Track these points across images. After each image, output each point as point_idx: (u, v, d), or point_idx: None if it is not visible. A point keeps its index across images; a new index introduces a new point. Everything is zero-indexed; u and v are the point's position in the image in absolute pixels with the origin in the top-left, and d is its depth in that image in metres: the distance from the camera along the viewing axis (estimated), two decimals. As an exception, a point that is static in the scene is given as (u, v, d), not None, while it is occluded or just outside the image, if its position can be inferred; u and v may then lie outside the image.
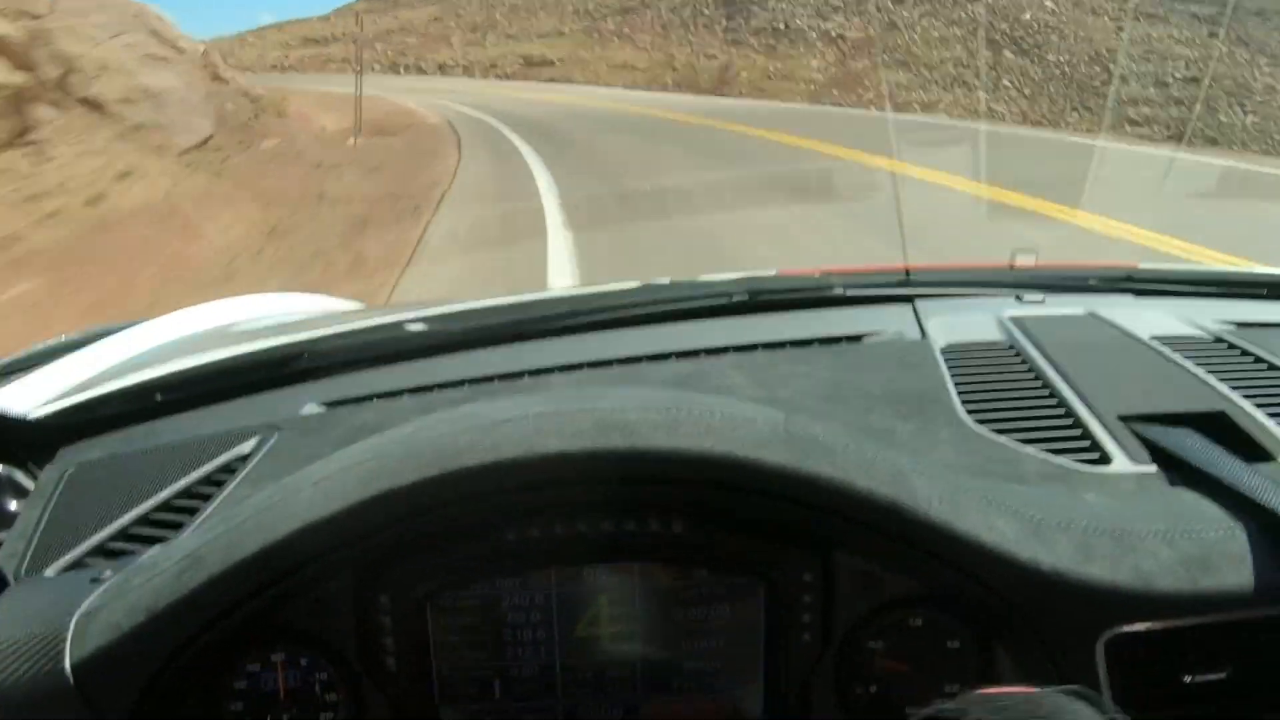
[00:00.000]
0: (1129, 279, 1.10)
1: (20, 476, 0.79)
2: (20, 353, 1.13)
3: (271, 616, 0.54)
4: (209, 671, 0.54)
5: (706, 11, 23.47)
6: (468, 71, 16.50)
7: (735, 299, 1.02)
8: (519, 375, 0.87)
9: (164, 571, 0.51)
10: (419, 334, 0.98)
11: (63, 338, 1.19)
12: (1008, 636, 0.55)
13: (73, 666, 0.50)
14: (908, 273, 1.09)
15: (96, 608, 0.52)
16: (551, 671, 0.57)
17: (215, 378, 0.91)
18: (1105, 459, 0.67)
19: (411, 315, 1.01)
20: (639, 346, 0.91)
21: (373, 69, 16.84)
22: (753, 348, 0.90)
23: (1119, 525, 0.55)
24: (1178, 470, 0.65)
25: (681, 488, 0.54)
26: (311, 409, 0.84)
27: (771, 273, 1.14)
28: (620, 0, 25.12)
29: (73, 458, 0.81)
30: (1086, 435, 0.70)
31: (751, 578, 0.57)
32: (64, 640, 0.51)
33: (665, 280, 1.08)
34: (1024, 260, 1.15)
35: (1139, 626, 0.53)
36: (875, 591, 0.56)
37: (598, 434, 0.52)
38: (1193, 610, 0.52)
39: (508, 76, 17.67)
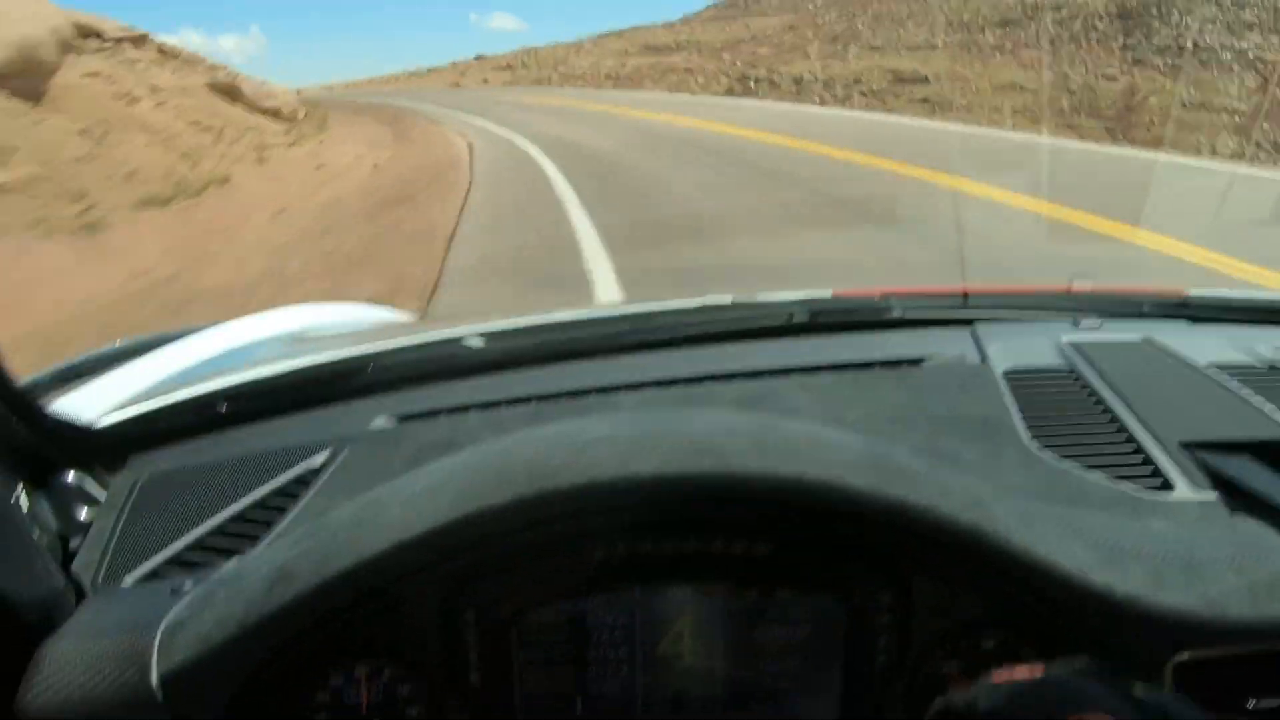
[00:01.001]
0: (1184, 304, 1.11)
1: (91, 485, 0.77)
2: (78, 357, 1.14)
3: (358, 630, 0.56)
4: (295, 683, 0.56)
5: (1099, 25, 19.28)
6: (828, 87, 13.78)
7: (796, 319, 1.02)
8: (585, 393, 0.86)
9: (252, 584, 0.52)
10: (480, 350, 0.98)
11: (118, 343, 1.20)
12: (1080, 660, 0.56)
13: (160, 678, 0.50)
14: (965, 295, 1.09)
15: (183, 619, 0.52)
16: (633, 690, 0.59)
17: (283, 390, 0.92)
18: (1168, 486, 0.68)
19: (472, 330, 1.01)
20: (702, 366, 0.91)
21: (718, 81, 14.46)
22: (816, 369, 0.90)
23: (1187, 552, 0.56)
24: (1240, 498, 0.65)
25: (768, 510, 0.55)
26: (381, 423, 0.83)
27: (828, 293, 1.10)
28: (1000, 11, 21.40)
29: (144, 467, 0.81)
30: (1149, 461, 0.71)
31: (833, 598, 0.58)
32: (150, 652, 0.51)
33: (726, 298, 1.07)
34: (1080, 284, 1.16)
35: (1208, 653, 0.53)
36: (950, 613, 0.58)
37: (690, 457, 0.53)
38: (1260, 637, 0.53)
39: (874, 94, 14.52)
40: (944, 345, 0.95)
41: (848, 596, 0.58)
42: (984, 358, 0.91)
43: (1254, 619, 0.52)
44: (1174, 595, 0.53)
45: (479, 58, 28.62)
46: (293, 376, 0.93)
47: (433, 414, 0.84)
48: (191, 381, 0.93)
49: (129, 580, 0.67)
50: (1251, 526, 0.61)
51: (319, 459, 0.77)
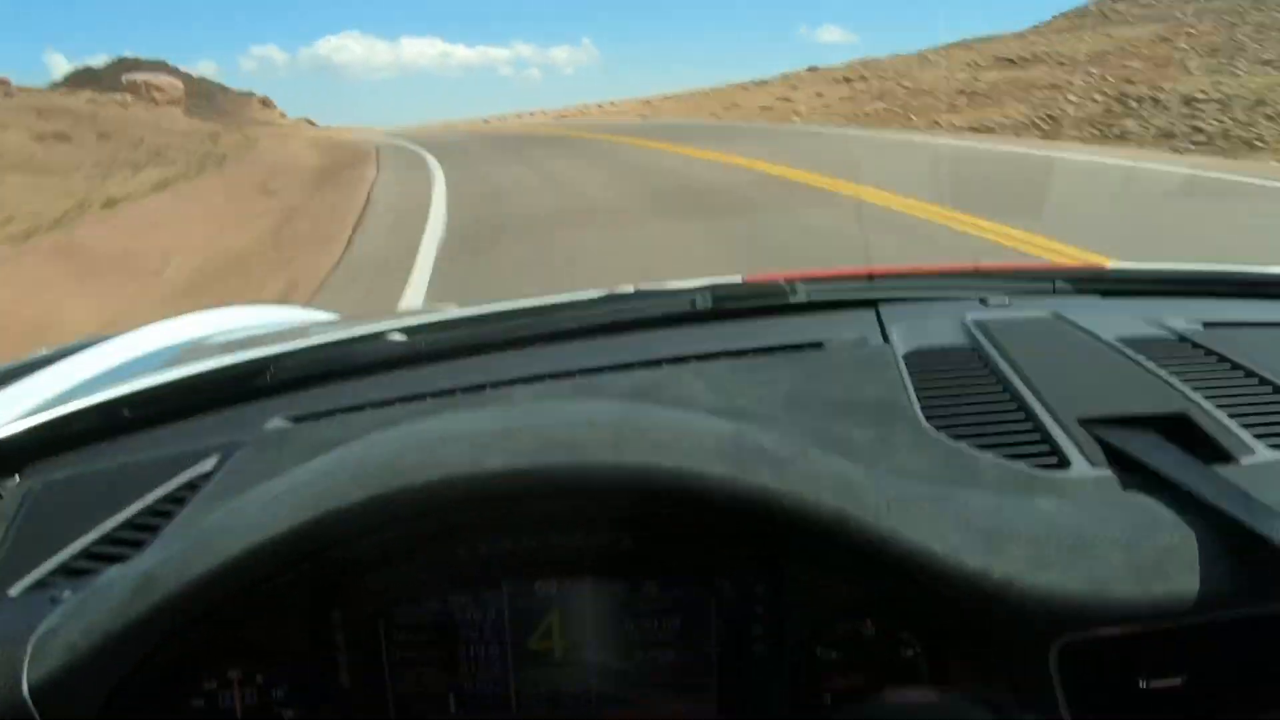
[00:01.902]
0: (1096, 279, 1.11)
1: None
2: None
3: (227, 634, 0.56)
4: (167, 690, 0.56)
5: None
6: (1225, 109, 12.18)
7: (699, 306, 1.04)
8: (481, 388, 0.87)
9: (119, 592, 0.53)
10: (383, 347, 1.00)
11: (30, 355, 1.21)
12: (961, 645, 0.56)
13: (30, 688, 0.51)
14: (871, 277, 1.10)
15: (54, 628, 0.53)
16: (506, 686, 0.59)
17: (181, 394, 0.92)
18: (1064, 463, 0.67)
19: (378, 327, 1.03)
20: (602, 357, 0.92)
21: (1092, 100, 13.54)
22: (715, 356, 0.90)
23: (1073, 531, 0.55)
24: (1136, 474, 0.65)
25: (628, 502, 0.55)
26: (276, 424, 0.85)
27: (738, 279, 1.11)
28: None
29: (38, 476, 0.83)
30: (1045, 439, 0.70)
31: (701, 589, 0.58)
32: (22, 661, 0.52)
33: (630, 288, 1.09)
34: (989, 263, 1.17)
35: (1093, 633, 0.53)
36: (827, 601, 0.58)
37: (542, 451, 0.54)
38: (1146, 616, 0.53)
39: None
40: (848, 328, 0.96)
41: (718, 586, 0.58)
42: (886, 339, 0.92)
43: (1139, 598, 0.52)
44: (1054, 576, 0.52)
45: (812, 69, 28.55)
46: (194, 380, 0.94)
47: (327, 414, 0.85)
48: (97, 388, 0.93)
49: (15, 590, 0.67)
50: (1145, 503, 0.60)
51: (209, 463, 0.78)
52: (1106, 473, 0.65)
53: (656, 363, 0.90)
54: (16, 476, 0.83)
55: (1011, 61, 18.40)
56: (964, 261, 1.15)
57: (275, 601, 0.56)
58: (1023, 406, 0.75)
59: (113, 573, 0.57)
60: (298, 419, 0.86)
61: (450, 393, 0.87)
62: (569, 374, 0.88)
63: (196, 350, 1.17)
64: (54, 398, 0.95)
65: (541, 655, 0.59)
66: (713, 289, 1.06)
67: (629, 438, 0.55)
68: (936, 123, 13.83)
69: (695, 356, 0.90)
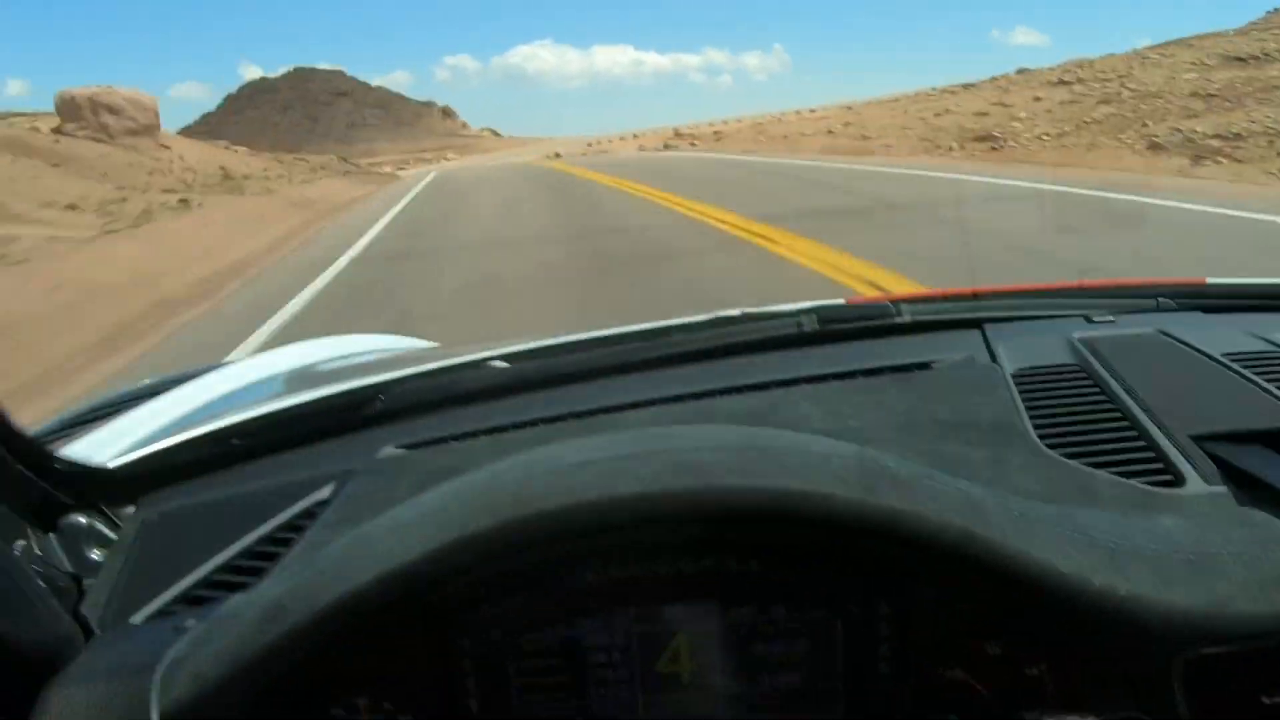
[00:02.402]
0: (1199, 294, 1.16)
1: (103, 526, 0.83)
2: (94, 400, 1.29)
3: (355, 662, 0.58)
4: (297, 718, 0.57)
5: None
6: None
7: (806, 329, 1.08)
8: (593, 413, 0.91)
9: (247, 620, 0.55)
10: (492, 373, 1.05)
11: (138, 384, 1.33)
12: (1086, 663, 0.57)
13: (160, 717, 0.53)
14: (975, 295, 1.17)
15: (182, 657, 0.55)
16: (633, 711, 0.61)
17: (293, 422, 0.97)
18: (1179, 480, 0.71)
19: (485, 354, 1.08)
20: (711, 380, 0.96)
21: None
22: (824, 378, 0.94)
23: (1194, 548, 0.58)
24: (1251, 489, 0.67)
25: (756, 525, 0.57)
26: (389, 452, 0.89)
27: (840, 301, 1.17)
28: None
29: (154, 506, 0.87)
30: (1159, 457, 0.74)
31: (828, 611, 0.61)
32: (150, 690, 0.54)
33: (736, 311, 1.12)
34: (1092, 279, 1.23)
35: (1217, 650, 0.54)
36: (952, 621, 0.59)
37: (672, 476, 0.56)
38: (1270, 632, 0.54)
39: None
40: (955, 348, 0.99)
41: (844, 608, 0.60)
42: (994, 358, 0.95)
43: (1262, 613, 0.54)
44: (1178, 593, 0.54)
45: (1022, 71, 27.78)
46: (305, 408, 0.99)
47: (440, 441, 0.90)
48: (203, 420, 0.98)
49: (138, 618, 0.71)
50: (1263, 518, 0.62)
51: (326, 491, 0.82)
52: (1222, 489, 0.68)
53: (766, 386, 0.93)
54: (133, 506, 0.87)
55: (1242, 60, 17.52)
56: (1066, 280, 1.20)
57: (403, 628, 0.57)
58: (1135, 424, 0.79)
59: (238, 601, 0.58)
60: (410, 447, 0.89)
61: (561, 418, 0.91)
62: (680, 398, 0.92)
63: (304, 378, 1.22)
64: (166, 426, 1.00)
65: (669, 679, 0.61)
66: (818, 311, 1.09)
67: (757, 461, 0.57)
68: (1177, 129, 13.10)
69: (804, 379, 0.94)
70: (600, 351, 1.09)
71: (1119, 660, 0.56)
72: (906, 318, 1.10)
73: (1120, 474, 0.72)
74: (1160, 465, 0.74)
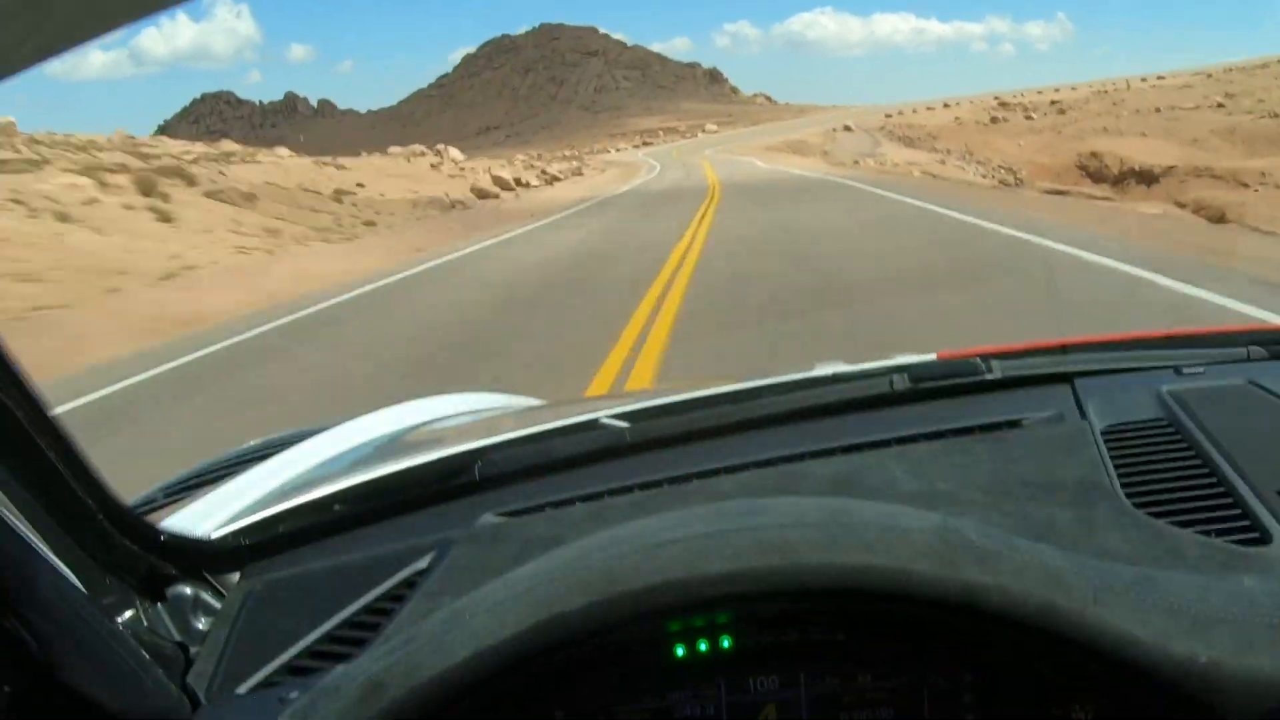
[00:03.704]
0: None
1: (209, 595, 0.93)
2: (196, 467, 1.48)
3: None
4: None
5: None
6: None
7: (897, 388, 1.19)
8: (687, 479, 1.02)
9: (347, 695, 0.61)
10: (585, 439, 1.16)
11: (240, 448, 1.54)
12: None
13: None
14: (1065, 349, 1.28)
15: None
16: None
17: (393, 490, 1.08)
18: (1265, 537, 0.77)
19: (580, 418, 1.24)
20: (803, 442, 1.06)
21: None
22: (914, 439, 1.05)
23: (1276, 610, 0.62)
24: None
25: (842, 600, 0.64)
26: (487, 520, 0.99)
27: (931, 357, 1.28)
28: None
29: (259, 575, 0.97)
30: (1246, 514, 0.82)
31: (914, 680, 0.70)
32: None
33: (829, 369, 1.27)
34: (1181, 329, 1.39)
35: None
36: (1037, 687, 0.66)
37: (758, 554, 0.63)
38: None
39: None
40: (1044, 404, 1.10)
41: (928, 677, 0.69)
42: (1083, 413, 1.07)
43: None
44: (1260, 657, 0.59)
45: None
46: (403, 476, 1.10)
47: (537, 509, 1.00)
48: (304, 487, 1.10)
49: (243, 689, 0.81)
50: None
51: (424, 561, 0.93)
52: None
53: (857, 448, 1.04)
54: (237, 575, 0.97)
55: None
56: (1155, 329, 1.38)
57: (500, 703, 0.64)
58: (1221, 480, 0.88)
59: (339, 673, 0.65)
60: (509, 514, 1.00)
61: (657, 484, 1.02)
62: (771, 462, 1.03)
63: (404, 444, 1.40)
64: (267, 496, 1.11)
65: None
66: (909, 369, 1.21)
67: (839, 537, 0.64)
68: None
69: (895, 440, 1.05)
70: (694, 414, 1.20)
71: None
72: (997, 374, 1.20)
73: (1207, 532, 0.79)
74: (1246, 523, 0.81)
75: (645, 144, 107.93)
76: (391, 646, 0.66)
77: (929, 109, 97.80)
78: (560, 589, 0.64)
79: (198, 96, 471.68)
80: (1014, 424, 1.07)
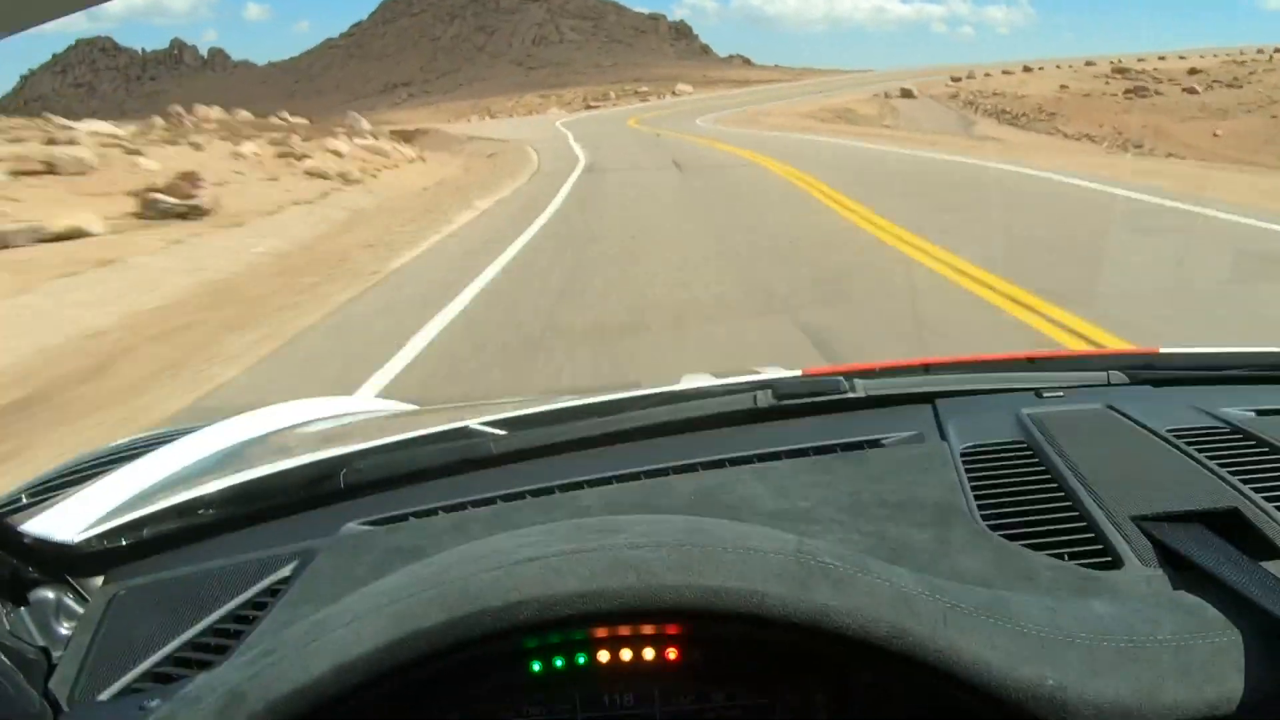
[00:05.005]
0: (1149, 367, 1.46)
1: (71, 600, 1.02)
2: (61, 466, 1.55)
3: None
4: None
5: None
6: None
7: (761, 404, 1.35)
8: (550, 491, 1.15)
9: (206, 707, 0.68)
10: (453, 449, 1.30)
11: (107, 447, 1.66)
12: None
13: None
14: (927, 368, 1.49)
15: None
16: None
17: (260, 496, 1.20)
18: (1117, 562, 0.87)
19: (447, 427, 1.37)
20: (667, 457, 1.21)
21: None
22: (776, 456, 1.19)
23: (1125, 635, 0.72)
24: (1187, 573, 0.83)
25: (696, 620, 0.72)
26: (351, 529, 1.10)
27: (797, 373, 1.46)
28: None
29: (122, 580, 1.07)
30: (1099, 539, 0.91)
31: (765, 699, 0.80)
32: None
33: (694, 383, 1.49)
34: (1043, 351, 1.50)
35: None
36: (890, 708, 0.76)
37: (613, 574, 0.71)
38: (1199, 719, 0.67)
39: None
40: (906, 424, 1.26)
41: (781, 695, 0.79)
42: (943, 434, 1.21)
43: (1190, 700, 0.68)
44: (1107, 681, 0.68)
45: None
46: (270, 482, 1.21)
47: (401, 518, 1.11)
48: (170, 490, 1.22)
49: (105, 695, 0.89)
50: (1195, 603, 0.77)
51: (288, 569, 1.02)
52: (1158, 572, 0.84)
53: (719, 463, 1.18)
54: (101, 579, 1.07)
55: None
56: (1017, 351, 1.54)
57: (359, 716, 0.70)
58: (1077, 505, 0.98)
59: (201, 682, 0.72)
60: (372, 523, 1.11)
61: (520, 496, 1.14)
62: (635, 476, 1.16)
63: (273, 447, 1.54)
64: (134, 498, 1.23)
65: None
66: (774, 385, 1.38)
67: (694, 558, 0.73)
68: None
69: (757, 457, 1.19)
70: (560, 427, 1.34)
71: None
72: (860, 393, 1.37)
73: (1060, 555, 0.89)
74: (1099, 547, 0.90)
75: (590, 107, 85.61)
76: (252, 657, 0.73)
77: (1005, 73, 79.51)
78: (419, 604, 0.71)
79: (72, 42, 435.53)
80: (875, 443, 1.21)
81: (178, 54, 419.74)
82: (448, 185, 18.10)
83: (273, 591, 0.99)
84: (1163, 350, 1.52)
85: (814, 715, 0.79)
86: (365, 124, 25.76)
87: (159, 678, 0.90)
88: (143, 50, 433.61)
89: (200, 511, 1.17)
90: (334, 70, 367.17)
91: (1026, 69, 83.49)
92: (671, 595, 0.71)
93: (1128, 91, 54.93)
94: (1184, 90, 52.45)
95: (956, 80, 75.01)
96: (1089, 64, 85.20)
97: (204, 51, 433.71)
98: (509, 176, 18.92)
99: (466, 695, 0.77)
